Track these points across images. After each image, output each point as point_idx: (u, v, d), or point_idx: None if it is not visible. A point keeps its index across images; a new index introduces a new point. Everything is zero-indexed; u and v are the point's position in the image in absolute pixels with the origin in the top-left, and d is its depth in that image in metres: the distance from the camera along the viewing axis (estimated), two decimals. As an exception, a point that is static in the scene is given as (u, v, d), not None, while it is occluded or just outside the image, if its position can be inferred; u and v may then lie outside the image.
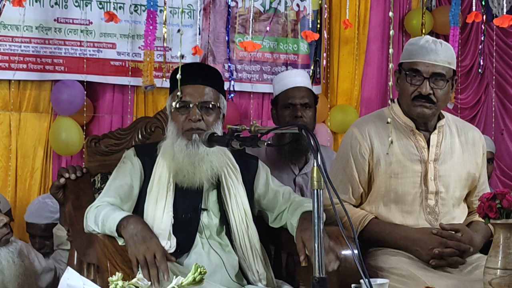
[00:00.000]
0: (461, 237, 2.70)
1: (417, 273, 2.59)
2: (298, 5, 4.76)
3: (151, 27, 3.60)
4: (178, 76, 2.48)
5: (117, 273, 1.73)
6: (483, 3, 5.05)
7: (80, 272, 2.49)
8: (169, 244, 2.49)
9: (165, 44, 4.05)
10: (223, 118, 2.69)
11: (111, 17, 3.56)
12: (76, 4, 4.10)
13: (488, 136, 4.98)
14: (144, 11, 4.13)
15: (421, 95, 2.71)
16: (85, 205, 2.66)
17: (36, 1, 4.01)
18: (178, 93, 2.53)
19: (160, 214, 2.52)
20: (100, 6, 4.13)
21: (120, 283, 1.70)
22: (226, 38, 4.54)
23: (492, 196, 2.27)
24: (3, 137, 4.02)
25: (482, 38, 5.23)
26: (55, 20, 4.06)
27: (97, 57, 4.16)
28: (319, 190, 1.95)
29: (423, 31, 4.86)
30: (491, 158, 4.22)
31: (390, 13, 2.55)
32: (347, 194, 2.83)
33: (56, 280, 3.08)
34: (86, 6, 4.11)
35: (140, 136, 2.94)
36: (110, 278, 1.72)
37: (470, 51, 5.28)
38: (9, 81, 4.00)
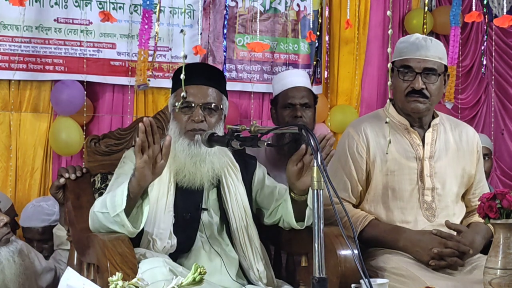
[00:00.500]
0: (461, 239, 2.70)
1: (417, 273, 2.59)
2: (298, 5, 4.75)
3: (146, 26, 3.59)
4: (182, 76, 2.48)
5: (117, 273, 1.73)
6: (484, 3, 5.04)
7: (80, 272, 2.50)
8: (170, 243, 2.49)
9: (156, 43, 4.02)
10: (225, 118, 2.69)
11: (106, 16, 3.55)
12: (76, 4, 4.10)
13: (485, 134, 4.99)
14: (144, 11, 4.13)
15: (414, 90, 2.77)
16: (85, 205, 2.66)
17: (36, 1, 4.00)
18: (183, 93, 2.53)
19: (160, 213, 2.52)
20: (100, 6, 4.13)
21: (120, 283, 1.69)
22: (224, 39, 4.54)
23: (492, 196, 2.27)
24: (3, 137, 4.02)
25: (485, 38, 5.22)
26: (55, 20, 4.05)
27: (97, 57, 4.16)
28: (319, 190, 1.95)
29: (425, 31, 4.86)
30: (487, 153, 4.22)
31: (388, 12, 2.56)
32: (346, 192, 2.85)
33: (56, 280, 3.08)
34: (86, 6, 4.11)
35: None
36: (110, 278, 1.72)
37: (470, 51, 5.28)
38: (9, 81, 4.00)
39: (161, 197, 2.54)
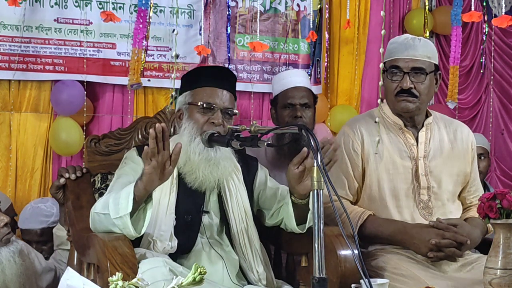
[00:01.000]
0: (458, 229, 2.72)
1: (418, 273, 2.59)
2: (298, 5, 4.75)
3: (140, 26, 3.58)
4: (199, 78, 2.54)
5: (117, 273, 1.73)
6: (484, 3, 5.05)
7: (80, 272, 2.50)
8: (170, 245, 2.49)
9: (147, 43, 4.01)
10: None
11: (109, 17, 3.54)
12: (76, 4, 4.10)
13: (485, 134, 5.00)
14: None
15: (403, 90, 2.78)
16: (85, 205, 2.66)
17: (36, 1, 4.00)
18: (204, 93, 2.57)
19: (162, 215, 2.52)
20: (100, 6, 4.13)
21: (120, 283, 1.69)
22: (228, 40, 4.54)
23: (492, 196, 2.27)
24: (3, 137, 4.02)
25: (484, 38, 5.23)
26: (55, 20, 4.05)
27: (97, 57, 4.16)
28: (319, 190, 1.95)
29: (426, 31, 4.86)
30: (482, 153, 4.22)
31: (382, 13, 2.58)
32: (343, 190, 2.87)
33: (56, 280, 3.07)
34: (86, 6, 4.11)
35: (140, 136, 2.95)
36: (110, 278, 1.71)
37: (470, 51, 5.28)
38: (9, 81, 4.00)
39: (162, 198, 2.54)
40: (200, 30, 4.36)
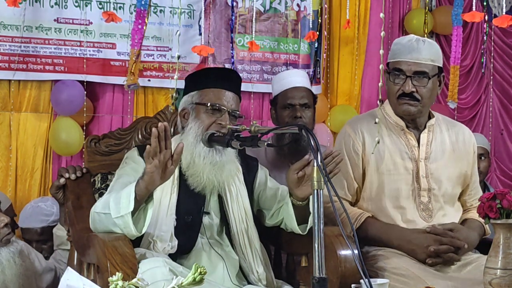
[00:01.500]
0: (455, 234, 2.72)
1: (418, 273, 2.59)
2: (298, 5, 4.75)
3: (139, 26, 3.57)
4: (206, 78, 2.54)
5: (117, 273, 1.73)
6: (484, 3, 5.05)
7: (80, 272, 2.49)
8: (170, 245, 2.49)
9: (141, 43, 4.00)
10: None
11: (110, 17, 3.54)
12: (76, 4, 4.10)
13: (485, 134, 4.99)
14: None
15: (404, 93, 2.76)
16: (85, 205, 2.66)
17: (36, 1, 4.00)
18: (212, 94, 2.58)
19: (162, 215, 2.52)
20: (100, 6, 4.13)
21: (120, 283, 1.69)
22: (231, 40, 4.53)
23: (492, 196, 2.27)
24: (3, 137, 4.01)
25: (484, 38, 5.22)
26: (55, 20, 4.05)
27: (97, 57, 4.15)
28: (319, 190, 1.95)
29: (426, 31, 4.86)
30: (482, 153, 4.22)
31: (381, 15, 2.58)
32: (342, 190, 2.86)
33: (56, 280, 3.07)
34: (86, 6, 4.11)
35: (140, 136, 2.94)
36: (110, 278, 1.72)
37: (470, 51, 5.28)
38: (9, 81, 4.00)
39: (163, 198, 2.53)
40: (200, 30, 4.37)
